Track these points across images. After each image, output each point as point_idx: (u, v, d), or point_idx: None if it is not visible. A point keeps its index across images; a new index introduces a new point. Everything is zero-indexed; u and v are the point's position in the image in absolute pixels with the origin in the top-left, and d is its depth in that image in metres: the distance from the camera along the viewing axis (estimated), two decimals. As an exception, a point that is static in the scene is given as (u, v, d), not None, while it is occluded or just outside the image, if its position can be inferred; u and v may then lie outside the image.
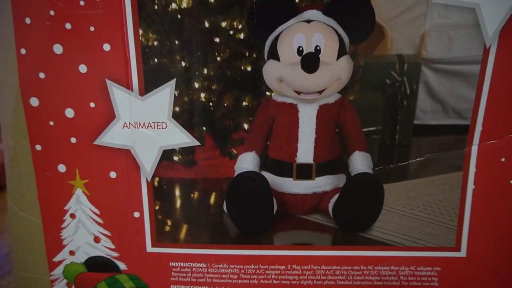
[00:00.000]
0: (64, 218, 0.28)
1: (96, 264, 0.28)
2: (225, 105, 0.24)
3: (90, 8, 0.23)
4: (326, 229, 0.26)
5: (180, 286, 0.28)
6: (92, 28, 0.24)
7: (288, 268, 0.27)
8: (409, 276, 0.27)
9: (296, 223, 0.26)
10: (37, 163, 0.27)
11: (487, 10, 0.22)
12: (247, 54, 0.23)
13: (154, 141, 0.25)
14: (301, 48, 0.23)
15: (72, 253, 0.28)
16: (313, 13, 0.23)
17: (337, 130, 0.25)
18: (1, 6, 0.24)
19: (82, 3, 0.23)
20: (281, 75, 0.24)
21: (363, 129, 0.24)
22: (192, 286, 0.28)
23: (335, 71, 0.23)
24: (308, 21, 0.23)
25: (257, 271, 0.27)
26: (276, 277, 0.27)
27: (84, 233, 0.28)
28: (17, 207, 0.28)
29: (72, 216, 0.27)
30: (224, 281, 0.28)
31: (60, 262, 0.28)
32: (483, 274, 0.26)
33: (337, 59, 0.23)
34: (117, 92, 0.24)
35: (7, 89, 0.26)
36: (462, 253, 0.26)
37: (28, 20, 0.24)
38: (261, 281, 0.27)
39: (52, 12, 0.24)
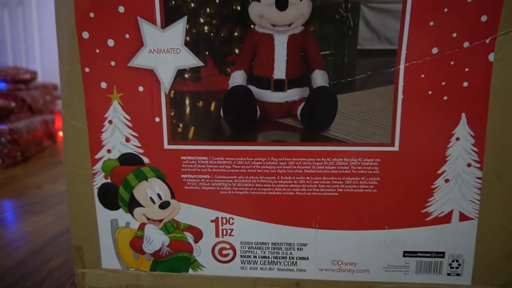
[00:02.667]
0: (104, 124, 0.38)
1: (126, 159, 0.39)
2: (222, 35, 0.35)
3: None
4: (295, 130, 0.37)
5: (188, 175, 0.38)
6: (128, -21, 0.34)
7: (268, 160, 0.37)
8: (357, 166, 0.37)
9: (273, 125, 0.37)
10: (86, 82, 0.37)
11: (403, -36, 0.32)
12: (237, -3, 0.34)
13: (171, 63, 0.36)
14: (275, -8, 0.33)
15: (109, 151, 0.39)
16: (283, -33, 0.33)
17: (302, 53, 0.35)
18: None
19: (122, -39, 0.34)
20: (261, 12, 0.34)
21: (321, 53, 0.35)
22: (197, 175, 0.38)
23: (300, 9, 0.34)
24: (280, -27, 0.33)
25: (245, 162, 0.38)
26: (259, 167, 0.38)
27: (118, 135, 0.38)
28: (69, 117, 0.38)
29: (110, 122, 0.38)
30: (220, 171, 0.38)
31: (100, 159, 0.39)
32: (412, 164, 0.37)
33: (301, 0, 0.33)
34: (145, 26, 0.35)
35: (66, 27, 0.36)
36: (396, 148, 0.36)
37: (83, -25, 0.34)
38: (248, 170, 0.38)
39: (101, -32, 0.34)
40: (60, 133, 1.81)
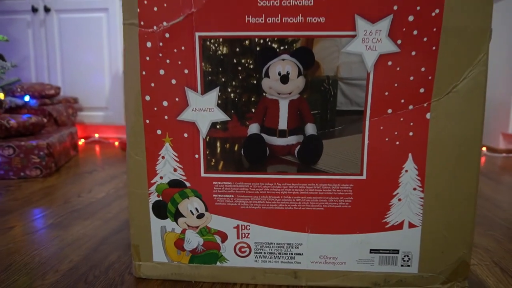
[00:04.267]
0: (158, 159, 0.53)
1: (174, 183, 0.54)
2: (243, 99, 0.50)
3: (185, 52, 0.48)
4: (294, 164, 0.52)
5: (218, 195, 0.54)
6: (179, 62, 0.50)
7: (274, 184, 0.53)
8: (337, 189, 0.52)
9: (278, 160, 0.52)
10: (146, 129, 0.53)
11: (366, 55, 0.47)
12: (254, 75, 0.49)
13: (207, 118, 0.51)
14: (279, 72, 0.49)
15: (161, 178, 0.54)
16: (285, 56, 0.49)
17: (298, 112, 0.50)
18: (133, 68, 0.50)
19: (175, 50, 0.49)
20: (270, 85, 0.49)
21: (311, 112, 0.50)
22: (224, 195, 0.53)
23: (297, 83, 0.49)
24: (283, 59, 0.49)
25: (258, 186, 0.53)
26: (268, 189, 0.53)
27: (168, 166, 0.53)
28: (133, 153, 0.54)
29: (163, 157, 0.53)
30: (241, 192, 0.53)
31: (154, 183, 0.54)
32: (375, 188, 0.52)
33: (297, 77, 0.49)
34: (190, 93, 0.50)
35: (133, 92, 0.52)
36: (364, 177, 0.52)
37: (148, 58, 0.50)
38: (260, 191, 0.53)
39: (160, 54, 0.49)
40: (80, 142, 1.96)
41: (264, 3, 0.48)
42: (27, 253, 0.67)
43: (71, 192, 1.07)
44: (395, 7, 0.47)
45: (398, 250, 0.54)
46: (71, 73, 2.02)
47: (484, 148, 1.82)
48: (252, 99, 0.51)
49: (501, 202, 0.99)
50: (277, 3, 0.47)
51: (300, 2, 0.47)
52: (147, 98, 0.52)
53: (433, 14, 0.47)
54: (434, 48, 0.48)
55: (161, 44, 0.50)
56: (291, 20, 0.48)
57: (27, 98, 1.51)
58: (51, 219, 0.85)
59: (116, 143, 2.00)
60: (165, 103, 0.52)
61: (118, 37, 1.95)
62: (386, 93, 0.49)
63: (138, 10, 0.49)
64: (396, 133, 0.50)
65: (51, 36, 2.00)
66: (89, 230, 0.78)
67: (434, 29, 0.47)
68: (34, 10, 1.97)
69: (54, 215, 0.87)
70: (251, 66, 0.50)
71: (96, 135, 2.10)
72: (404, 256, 0.54)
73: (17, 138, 1.26)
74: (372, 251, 0.54)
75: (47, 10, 1.97)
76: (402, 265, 0.54)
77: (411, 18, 0.47)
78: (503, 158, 1.67)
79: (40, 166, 1.22)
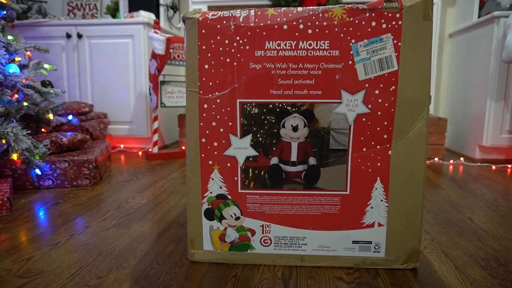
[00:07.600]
0: (209, 180, 0.79)
1: (220, 196, 0.80)
2: (267, 142, 0.76)
3: (230, 111, 0.74)
4: (301, 184, 0.78)
5: (249, 204, 0.79)
6: (226, 117, 0.75)
7: (288, 197, 0.78)
8: (330, 200, 0.78)
9: (290, 181, 0.78)
10: (201, 161, 0.78)
11: (348, 115, 0.73)
12: (275, 126, 0.75)
13: (243, 153, 0.77)
14: (292, 124, 0.74)
15: (211, 192, 0.80)
16: (296, 114, 0.75)
17: (304, 150, 0.76)
18: (193, 120, 0.76)
19: (223, 110, 0.75)
20: (286, 133, 0.75)
21: (313, 149, 0.76)
22: (253, 204, 0.79)
23: (303, 132, 0.75)
24: (294, 116, 0.74)
25: (277, 198, 0.78)
26: (283, 200, 0.79)
27: (216, 185, 0.79)
28: (192, 176, 0.79)
29: (212, 179, 0.79)
30: (265, 202, 0.79)
31: (206, 196, 0.80)
32: (355, 200, 0.77)
33: (303, 128, 0.75)
34: (232, 137, 0.76)
35: (194, 136, 0.77)
36: (348, 192, 0.77)
37: (204, 114, 0.76)
38: (278, 202, 0.79)
39: (213, 112, 0.75)
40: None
41: (282, 82, 0.73)
42: (108, 244, 0.92)
43: (120, 199, 1.33)
44: (367, 85, 0.72)
45: (371, 241, 0.79)
46: (100, 91, 2.28)
47: (461, 158, 2.07)
48: (274, 141, 0.76)
49: (461, 207, 1.24)
50: (290, 82, 0.73)
51: (305, 81, 0.73)
52: (203, 140, 0.77)
53: (391, 89, 0.72)
54: (392, 110, 0.73)
55: (214, 106, 0.75)
56: (299, 92, 0.73)
57: (70, 117, 1.77)
58: (113, 221, 1.10)
59: (140, 153, 2.26)
60: (215, 144, 0.77)
61: (141, 59, 2.21)
62: (362, 138, 0.75)
63: (199, 83, 0.75)
64: (369, 163, 0.76)
65: (83, 59, 2.26)
66: (146, 229, 1.03)
67: (392, 99, 0.73)
68: (68, 36, 2.23)
69: (115, 217, 1.13)
70: (273, 121, 0.75)
71: (122, 146, 2.36)
72: (375, 245, 0.79)
73: (69, 154, 1.52)
74: (353, 242, 0.80)
75: (79, 36, 2.22)
76: (374, 252, 0.80)
77: (377, 91, 0.73)
78: (478, 167, 1.93)
79: (89, 177, 1.48)
